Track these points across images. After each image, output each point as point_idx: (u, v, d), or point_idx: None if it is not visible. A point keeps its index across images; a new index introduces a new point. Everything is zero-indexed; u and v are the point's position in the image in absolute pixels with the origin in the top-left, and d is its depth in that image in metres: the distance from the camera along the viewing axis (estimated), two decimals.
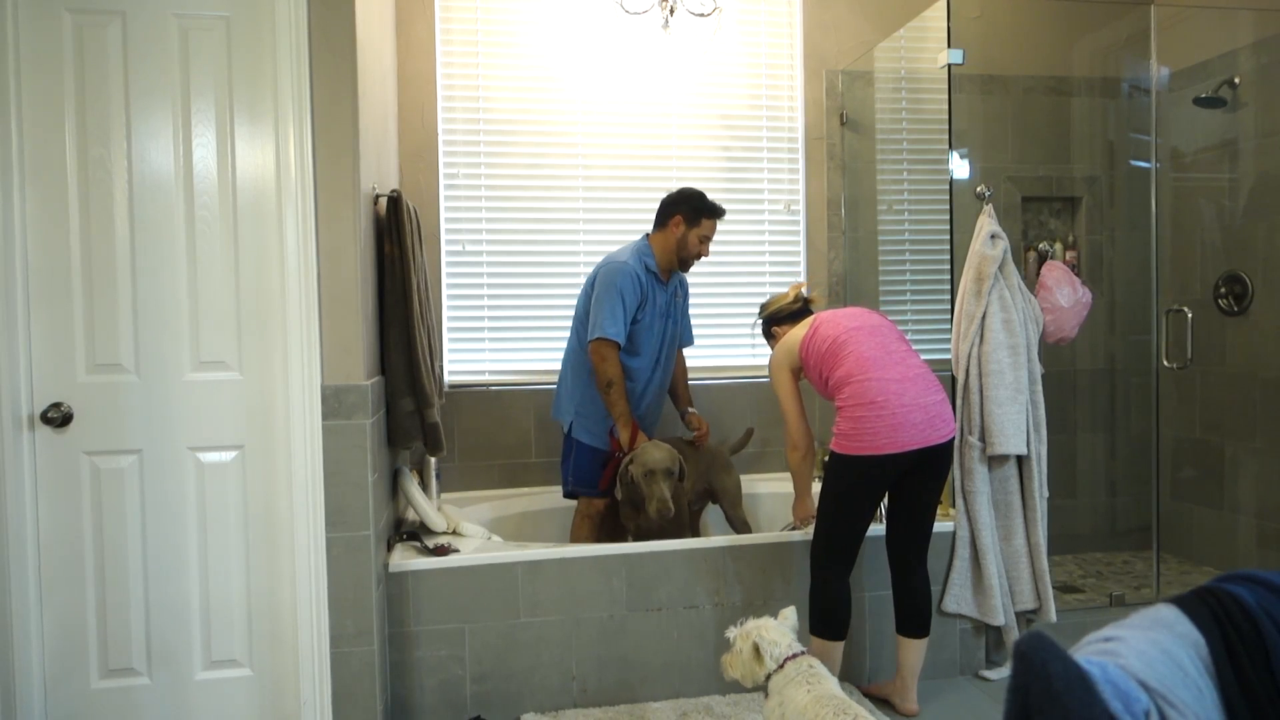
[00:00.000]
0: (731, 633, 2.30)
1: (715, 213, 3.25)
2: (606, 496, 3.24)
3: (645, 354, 3.25)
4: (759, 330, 3.12)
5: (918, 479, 2.66)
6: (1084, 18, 4.17)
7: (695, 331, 3.58)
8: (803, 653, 2.21)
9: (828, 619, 2.66)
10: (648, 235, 3.30)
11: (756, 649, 2.21)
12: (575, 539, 3.26)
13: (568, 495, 3.34)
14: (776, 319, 2.98)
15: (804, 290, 3.02)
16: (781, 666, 2.20)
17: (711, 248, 3.31)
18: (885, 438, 2.54)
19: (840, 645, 2.69)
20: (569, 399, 3.31)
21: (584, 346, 3.21)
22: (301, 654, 2.49)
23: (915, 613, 2.77)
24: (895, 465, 2.58)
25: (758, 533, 3.31)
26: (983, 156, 4.04)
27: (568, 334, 3.38)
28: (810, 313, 2.92)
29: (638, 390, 3.27)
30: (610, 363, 3.12)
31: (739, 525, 3.38)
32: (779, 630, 2.24)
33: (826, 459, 2.73)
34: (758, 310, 3.10)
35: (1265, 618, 1.08)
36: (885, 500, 2.84)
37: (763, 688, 2.22)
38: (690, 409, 3.50)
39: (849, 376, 2.60)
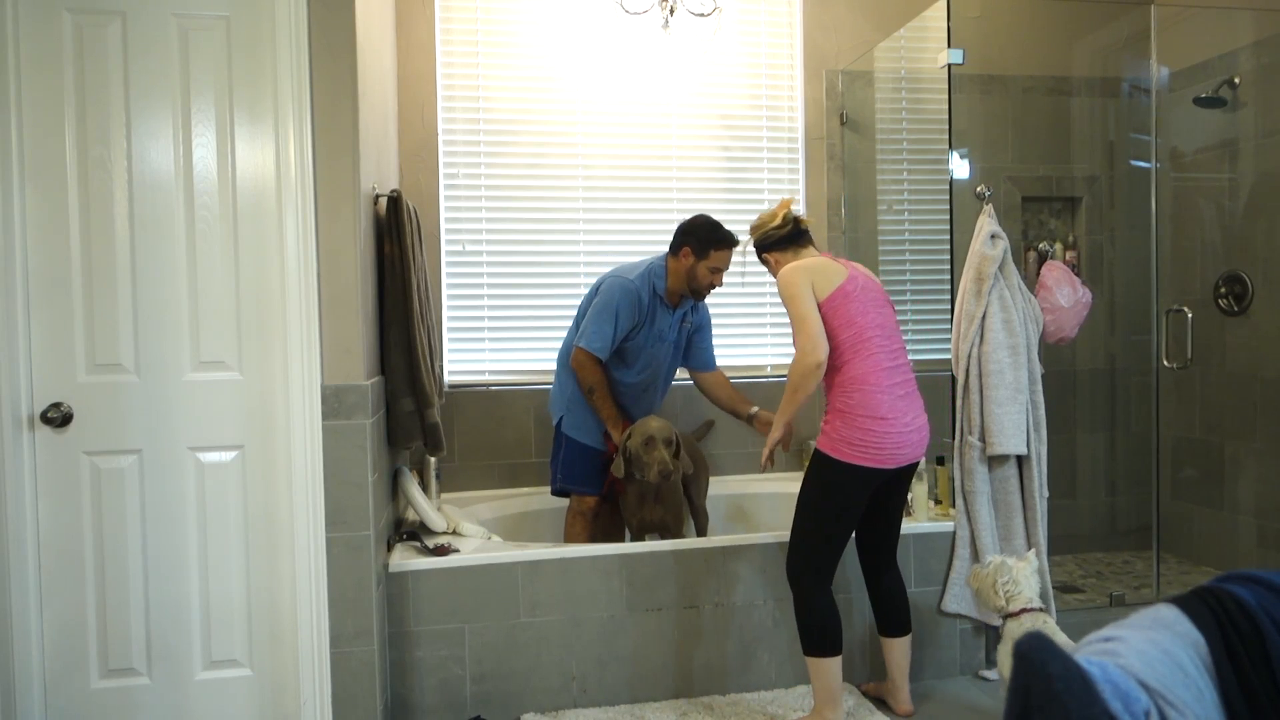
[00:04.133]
0: (990, 559, 2.53)
1: (725, 243, 3.14)
2: (596, 494, 3.25)
3: (633, 370, 3.23)
4: (750, 250, 2.85)
5: (892, 487, 2.65)
6: (1084, 18, 4.17)
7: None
8: (1041, 609, 2.44)
9: (822, 635, 2.55)
10: (667, 255, 3.23)
11: (993, 585, 2.43)
12: (569, 538, 3.26)
13: (556, 493, 3.32)
14: (766, 245, 2.74)
15: (793, 209, 2.76)
16: (1018, 615, 2.42)
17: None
18: (888, 453, 2.51)
19: (838, 661, 2.58)
20: (561, 395, 3.31)
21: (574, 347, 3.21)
22: (301, 654, 2.49)
23: (894, 612, 2.76)
24: (883, 477, 2.56)
25: (757, 533, 3.31)
26: (983, 156, 4.04)
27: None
28: (807, 237, 2.72)
29: (625, 407, 3.24)
30: (588, 370, 3.12)
31: (700, 516, 3.40)
32: (1027, 577, 2.44)
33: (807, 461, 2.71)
34: (750, 230, 2.82)
35: (1265, 618, 1.08)
36: None
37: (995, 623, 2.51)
38: (754, 409, 3.32)
39: (862, 380, 2.51)
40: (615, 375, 3.21)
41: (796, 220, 2.71)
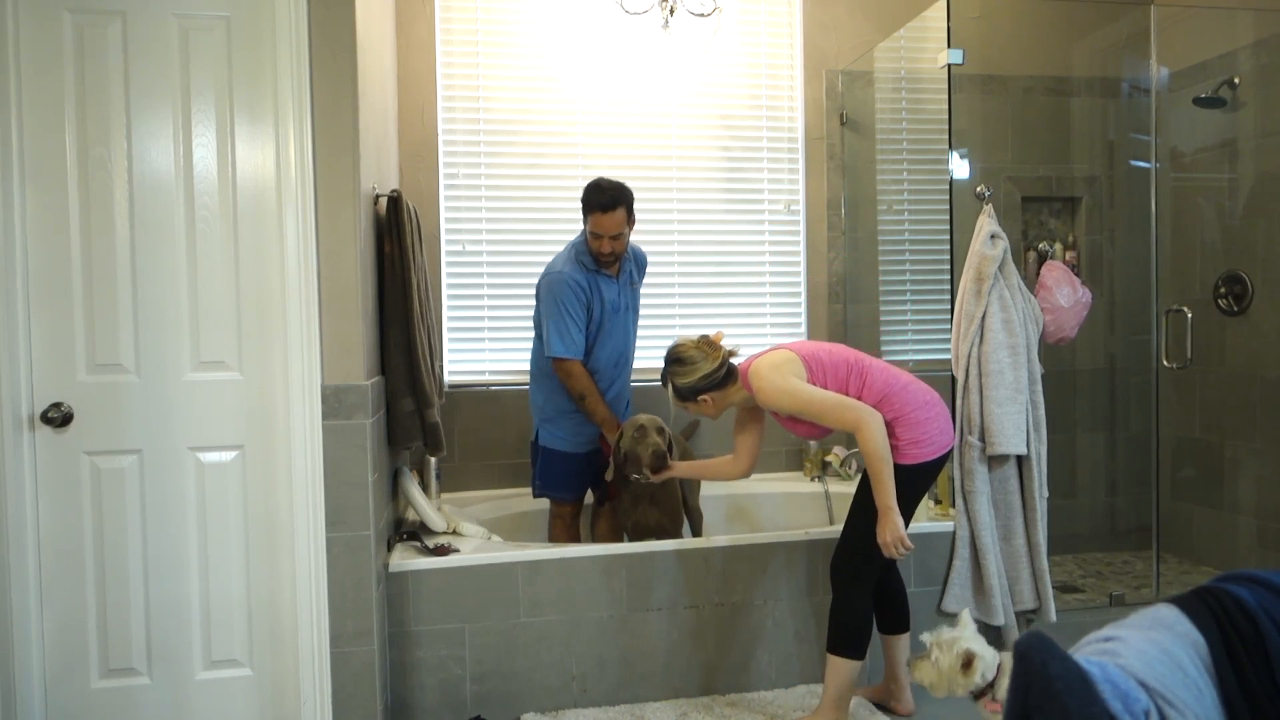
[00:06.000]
0: (926, 638, 2.18)
1: (592, 206, 2.98)
2: (573, 500, 3.24)
3: (604, 350, 3.15)
4: (670, 391, 2.70)
5: None
6: (1084, 18, 4.17)
7: (693, 332, 3.54)
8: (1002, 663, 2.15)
9: (855, 637, 2.57)
10: None
11: (968, 663, 2.10)
12: (553, 540, 3.25)
13: (537, 495, 3.30)
14: (706, 389, 2.65)
15: (723, 343, 2.72)
16: (992, 683, 2.11)
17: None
18: (946, 434, 2.59)
19: (859, 666, 2.60)
20: (537, 412, 3.25)
21: (542, 357, 3.16)
22: (301, 654, 2.49)
23: (899, 609, 2.77)
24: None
25: (757, 532, 3.32)
26: (983, 156, 4.04)
27: None
28: (734, 373, 2.68)
29: (603, 390, 3.17)
30: (575, 378, 3.07)
31: (694, 515, 3.40)
32: (980, 641, 2.14)
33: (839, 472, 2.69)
34: (670, 369, 2.68)
35: (1265, 618, 1.08)
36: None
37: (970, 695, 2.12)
38: None
39: (887, 389, 2.54)
40: (601, 359, 3.16)
41: (729, 355, 2.68)
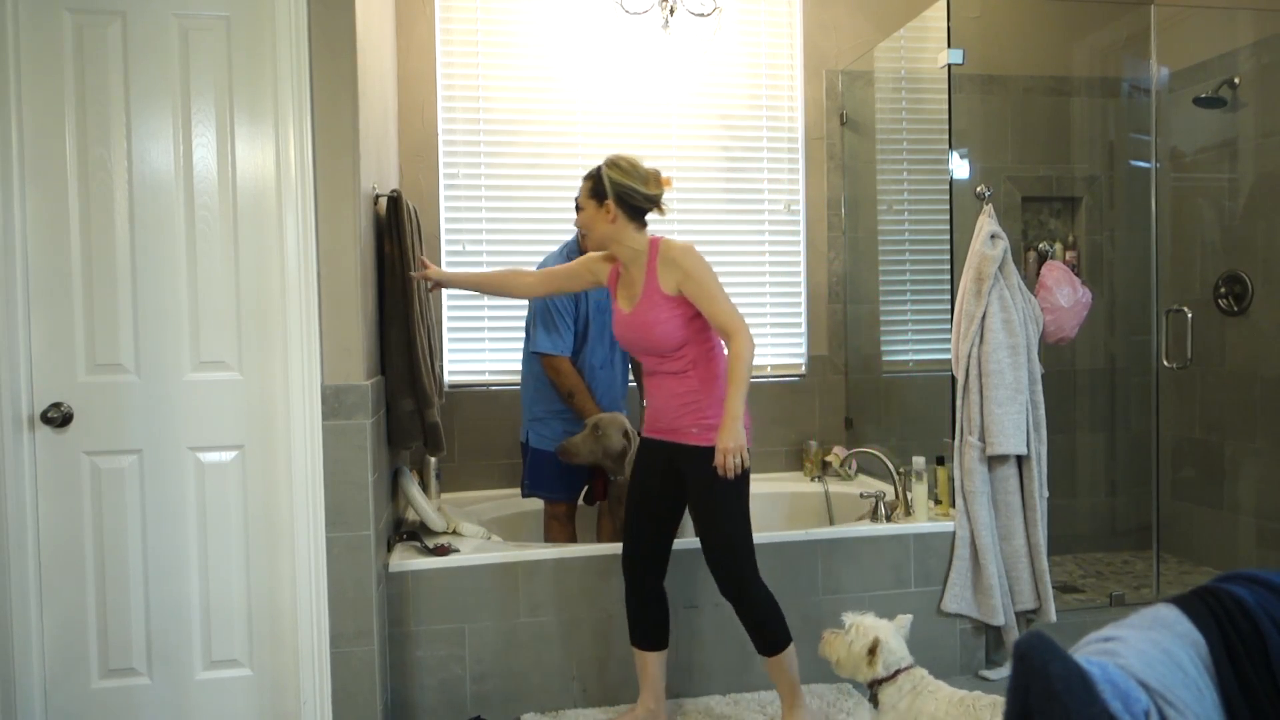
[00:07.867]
0: (849, 619, 2.20)
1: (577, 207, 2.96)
2: (565, 499, 3.22)
3: (589, 354, 3.14)
4: (590, 182, 2.49)
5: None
6: (1084, 18, 4.17)
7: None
8: (912, 665, 2.15)
9: (780, 626, 2.49)
10: None
11: (874, 650, 2.13)
12: (550, 541, 3.24)
13: (526, 495, 3.28)
14: (621, 196, 2.43)
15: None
16: (893, 677, 2.13)
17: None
18: None
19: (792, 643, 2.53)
20: (526, 412, 3.24)
21: (532, 358, 3.16)
22: (301, 654, 2.49)
23: (666, 622, 2.66)
24: None
25: (757, 532, 3.30)
26: (983, 156, 4.04)
27: None
28: (645, 225, 2.51)
29: (598, 392, 3.16)
30: (563, 375, 3.06)
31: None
32: (898, 638, 2.17)
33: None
34: (610, 160, 2.50)
35: (1265, 618, 1.08)
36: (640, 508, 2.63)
37: (865, 687, 2.17)
38: None
39: (720, 372, 2.46)
40: (590, 361, 3.15)
41: (660, 209, 2.51)
